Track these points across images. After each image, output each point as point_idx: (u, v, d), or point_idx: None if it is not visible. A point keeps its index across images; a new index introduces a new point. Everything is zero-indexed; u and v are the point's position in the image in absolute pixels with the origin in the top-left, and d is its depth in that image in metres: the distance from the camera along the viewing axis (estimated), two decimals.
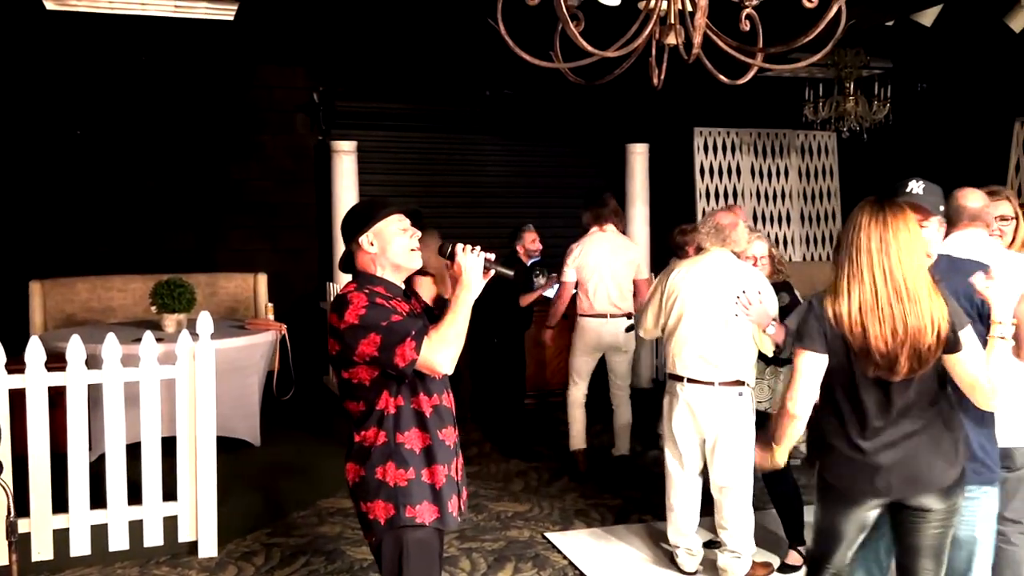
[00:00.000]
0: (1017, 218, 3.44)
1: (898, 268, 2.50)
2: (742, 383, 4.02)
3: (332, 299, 2.63)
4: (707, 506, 4.25)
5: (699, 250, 4.21)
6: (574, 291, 5.86)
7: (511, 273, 2.72)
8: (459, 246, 2.60)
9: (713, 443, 4.07)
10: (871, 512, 2.71)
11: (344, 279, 7.88)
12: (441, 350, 2.48)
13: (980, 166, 8.21)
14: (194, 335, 4.46)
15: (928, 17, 6.44)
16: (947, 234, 3.01)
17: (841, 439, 2.65)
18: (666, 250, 7.66)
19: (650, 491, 5.40)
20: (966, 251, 2.96)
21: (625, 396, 6.00)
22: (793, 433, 2.65)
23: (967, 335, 2.57)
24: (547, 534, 4.74)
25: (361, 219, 2.67)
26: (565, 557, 4.43)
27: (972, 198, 3.17)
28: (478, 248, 2.62)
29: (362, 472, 2.59)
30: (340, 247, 7.89)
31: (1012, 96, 8.26)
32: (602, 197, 5.87)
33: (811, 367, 2.60)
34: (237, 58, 7.79)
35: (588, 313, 5.79)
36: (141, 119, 7.60)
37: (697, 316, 4.05)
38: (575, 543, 4.61)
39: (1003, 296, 2.53)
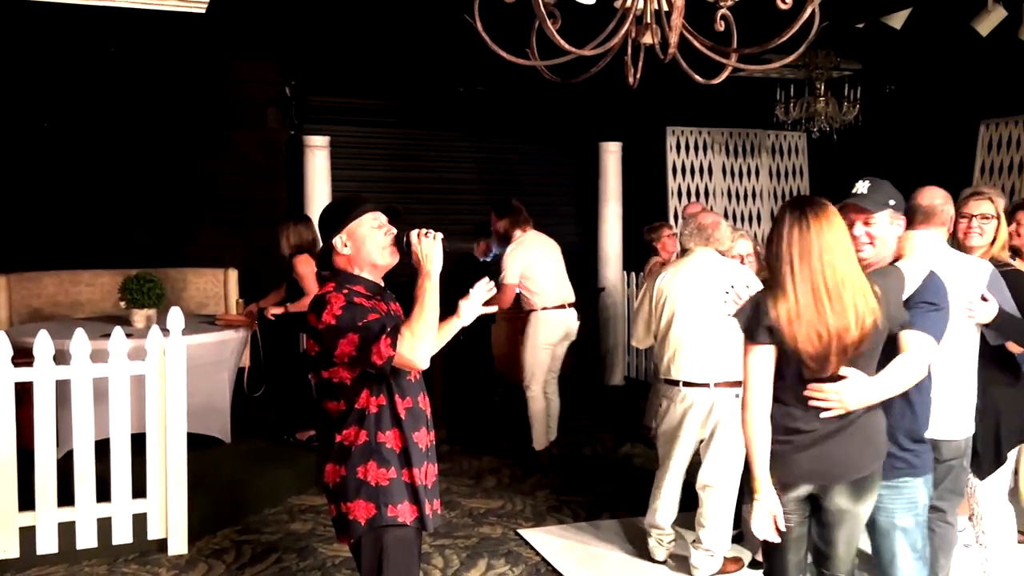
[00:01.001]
0: (998, 218, 3.49)
1: (818, 269, 2.53)
2: (737, 384, 3.97)
3: (312, 300, 2.63)
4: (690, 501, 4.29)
5: (684, 252, 4.22)
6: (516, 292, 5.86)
7: (467, 247, 2.84)
8: (412, 233, 2.61)
9: (708, 444, 4.09)
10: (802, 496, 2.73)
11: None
12: (416, 344, 2.47)
13: (946, 168, 8.33)
14: (164, 331, 4.42)
15: (898, 20, 6.52)
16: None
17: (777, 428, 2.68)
18: (638, 248, 7.72)
19: (622, 487, 5.44)
20: (915, 250, 2.99)
21: (557, 384, 6.04)
22: (752, 425, 2.64)
23: (910, 336, 2.66)
24: (520, 530, 4.76)
25: (334, 220, 2.66)
26: (538, 553, 4.45)
27: (926, 197, 3.21)
28: (431, 232, 2.62)
29: (342, 472, 2.57)
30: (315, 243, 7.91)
31: (978, 99, 8.40)
32: (513, 204, 5.96)
33: (760, 360, 2.63)
34: (208, 51, 7.71)
35: (550, 306, 5.81)
36: (110, 112, 7.50)
37: (688, 318, 4.03)
38: (547, 539, 4.63)
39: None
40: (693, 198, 9.36)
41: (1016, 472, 4.20)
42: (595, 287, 8.63)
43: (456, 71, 8.07)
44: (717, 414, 4.02)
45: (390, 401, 2.58)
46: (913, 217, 3.13)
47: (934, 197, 3.20)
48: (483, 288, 2.75)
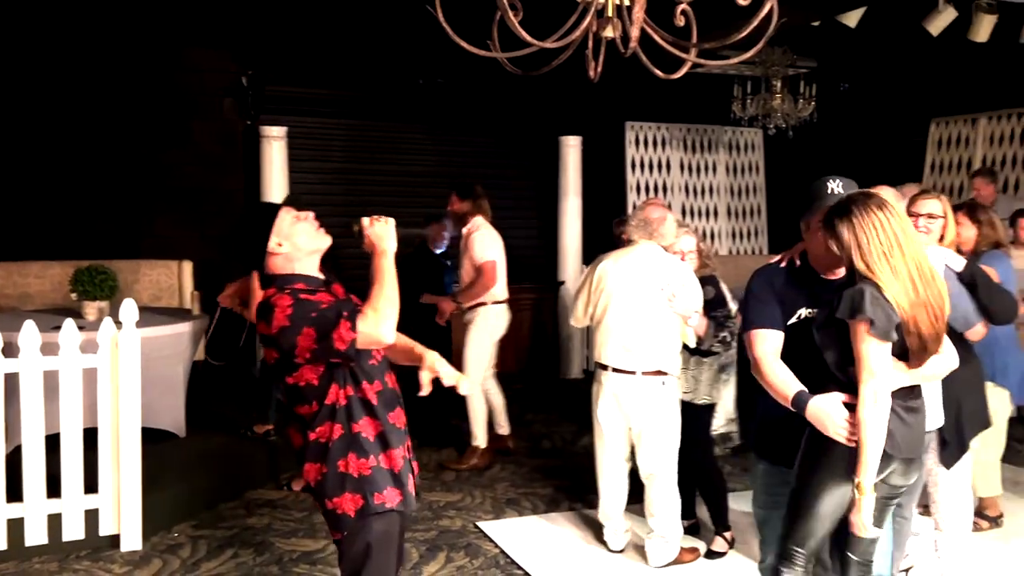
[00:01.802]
0: (945, 217, 3.57)
1: (911, 256, 2.60)
2: (664, 373, 4.10)
3: (259, 308, 2.60)
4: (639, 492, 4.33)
5: (629, 242, 4.27)
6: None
7: (422, 232, 2.82)
8: (364, 220, 2.63)
9: (639, 431, 4.17)
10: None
11: None
12: (380, 319, 2.47)
13: (898, 164, 8.50)
14: (117, 323, 4.34)
15: (852, 18, 6.63)
16: None
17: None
18: (598, 242, 7.75)
19: (581, 479, 5.47)
20: None
21: (495, 379, 6.03)
22: (878, 423, 2.60)
23: None
24: (479, 523, 4.76)
25: (261, 231, 2.63)
26: (497, 545, 4.46)
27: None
28: (382, 217, 2.64)
29: (324, 469, 2.56)
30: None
31: (928, 98, 8.58)
32: (477, 189, 5.90)
33: (887, 357, 2.61)
34: (163, 40, 7.58)
35: (501, 300, 5.80)
36: (61, 100, 7.34)
37: (622, 307, 4.14)
38: (507, 531, 4.64)
39: None
40: (652, 193, 9.43)
41: None
42: (554, 281, 8.66)
43: (416, 63, 8.03)
44: (643, 402, 4.11)
45: (357, 389, 2.58)
46: None
47: (887, 197, 3.27)
48: (382, 218, 2.66)
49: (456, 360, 5.84)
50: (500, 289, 5.78)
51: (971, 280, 3.32)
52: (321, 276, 2.69)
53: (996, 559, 4.26)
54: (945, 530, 3.72)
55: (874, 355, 2.55)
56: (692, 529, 4.50)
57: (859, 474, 2.56)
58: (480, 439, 5.78)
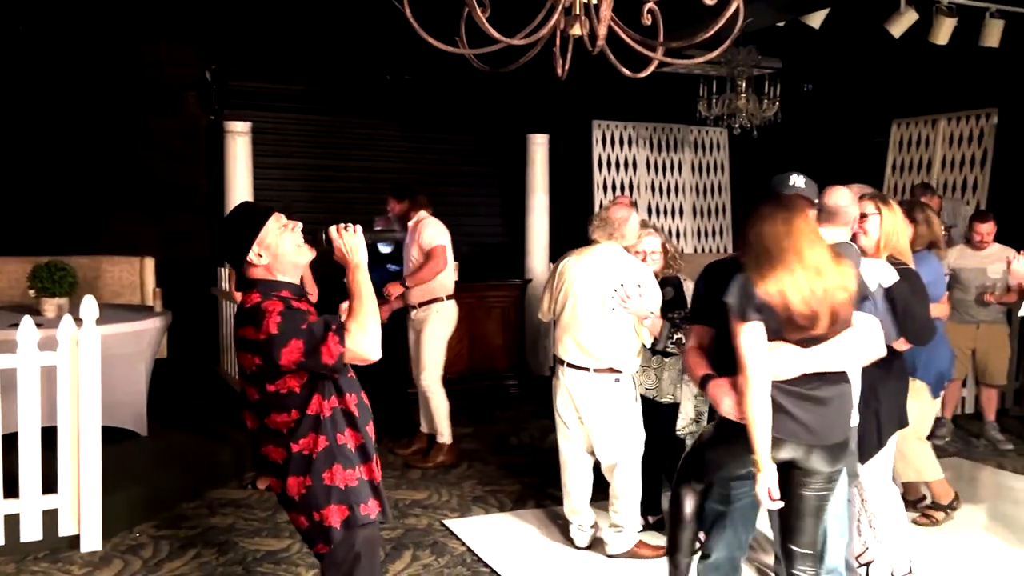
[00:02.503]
0: (880, 215, 3.59)
1: (807, 249, 2.76)
2: (618, 371, 4.15)
3: (240, 313, 2.54)
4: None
5: (592, 241, 4.31)
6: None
7: (396, 236, 2.82)
8: (331, 229, 2.57)
9: (592, 427, 4.24)
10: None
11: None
12: (365, 336, 2.45)
13: (860, 165, 8.63)
14: (77, 320, 4.27)
15: (816, 19, 6.71)
16: None
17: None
18: (566, 240, 7.77)
19: (547, 476, 5.48)
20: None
21: None
22: (755, 401, 2.76)
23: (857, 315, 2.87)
24: (445, 521, 4.75)
25: (241, 237, 2.56)
26: (463, 543, 4.45)
27: (832, 197, 3.32)
28: (349, 225, 2.59)
29: (308, 482, 2.51)
30: None
31: (890, 99, 8.71)
32: (412, 187, 5.90)
33: (755, 334, 2.78)
34: (125, 33, 7.46)
35: (450, 294, 5.79)
36: (19, 94, 7.19)
37: (578, 305, 4.20)
38: (473, 529, 4.64)
39: None
40: (619, 191, 9.47)
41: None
42: (522, 278, 8.66)
43: (383, 58, 7.99)
44: (596, 399, 4.17)
45: (341, 401, 2.56)
46: (818, 216, 3.22)
47: (840, 198, 3.30)
48: (351, 226, 2.60)
49: (414, 360, 5.82)
50: (450, 281, 5.75)
51: (892, 299, 3.36)
52: (299, 284, 2.64)
53: (958, 549, 4.34)
54: (877, 525, 3.78)
55: (744, 338, 2.75)
56: (658, 525, 4.53)
57: (753, 451, 2.74)
58: (446, 436, 5.76)
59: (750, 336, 2.74)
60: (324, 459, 2.51)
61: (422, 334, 5.72)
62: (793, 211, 2.83)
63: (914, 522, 4.55)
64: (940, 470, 4.66)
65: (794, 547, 2.92)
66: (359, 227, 2.59)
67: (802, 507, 2.87)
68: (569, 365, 4.24)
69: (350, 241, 2.55)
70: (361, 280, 2.53)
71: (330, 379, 2.52)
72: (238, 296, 2.63)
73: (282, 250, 2.56)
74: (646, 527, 4.49)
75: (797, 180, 3.03)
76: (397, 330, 6.27)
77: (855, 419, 3.32)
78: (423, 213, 5.77)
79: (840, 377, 2.85)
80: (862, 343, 2.85)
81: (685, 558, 3.12)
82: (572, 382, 4.24)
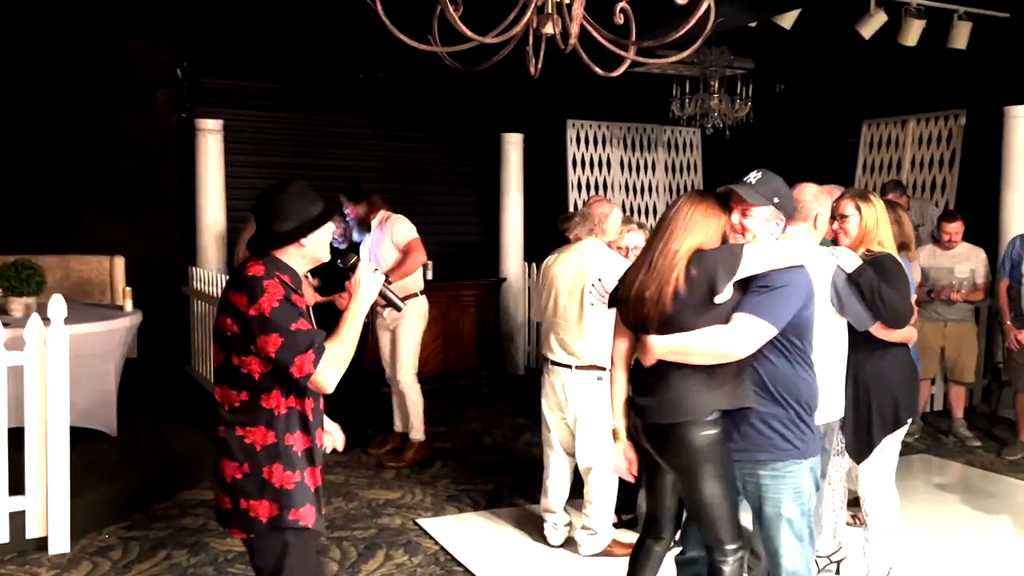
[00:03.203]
0: (860, 214, 3.61)
1: (660, 248, 2.80)
2: (601, 368, 4.14)
3: (238, 277, 2.53)
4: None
5: (576, 239, 4.32)
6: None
7: (400, 305, 2.84)
8: (363, 263, 2.59)
9: (575, 424, 4.24)
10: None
11: (212, 261, 7.60)
12: (332, 369, 2.45)
13: (832, 164, 8.72)
14: (45, 320, 4.21)
15: (788, 20, 6.76)
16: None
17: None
18: (540, 239, 7.78)
19: (521, 475, 5.49)
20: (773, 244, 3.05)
21: None
22: (612, 375, 3.05)
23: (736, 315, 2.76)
24: (419, 520, 4.74)
25: (315, 220, 2.55)
26: (437, 543, 4.44)
27: (796, 193, 3.28)
28: (379, 269, 2.62)
29: (246, 469, 2.50)
30: (205, 231, 7.69)
31: (861, 99, 8.81)
32: (364, 188, 5.86)
33: (616, 322, 3.02)
34: (95, 29, 7.37)
35: (424, 291, 5.78)
36: None
37: (559, 302, 4.22)
38: (447, 528, 4.63)
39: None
40: (593, 191, 9.50)
41: None
42: (497, 277, 8.67)
43: (356, 56, 7.95)
44: (579, 396, 4.18)
45: (299, 401, 2.54)
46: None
47: (803, 193, 3.29)
48: (377, 269, 2.64)
49: (388, 359, 5.79)
50: (420, 279, 5.74)
51: (857, 282, 3.35)
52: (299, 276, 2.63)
53: (928, 546, 4.39)
54: (869, 526, 3.78)
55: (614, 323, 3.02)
56: (632, 523, 4.54)
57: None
58: (420, 433, 5.75)
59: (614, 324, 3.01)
60: (268, 454, 2.49)
61: (397, 332, 5.69)
62: (693, 203, 2.84)
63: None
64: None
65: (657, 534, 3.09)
66: (383, 275, 2.61)
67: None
68: (553, 363, 4.27)
69: (366, 278, 2.55)
70: (355, 313, 2.53)
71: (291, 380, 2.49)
72: (243, 253, 2.59)
73: (320, 247, 2.59)
74: (620, 524, 4.51)
75: (751, 176, 2.88)
76: (367, 331, 6.24)
77: (830, 416, 3.33)
78: (384, 212, 5.74)
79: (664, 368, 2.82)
80: (723, 341, 2.73)
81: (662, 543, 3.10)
82: (555, 380, 4.26)
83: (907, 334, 3.63)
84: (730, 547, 2.85)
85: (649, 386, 2.86)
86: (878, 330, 3.48)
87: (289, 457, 2.51)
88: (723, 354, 2.74)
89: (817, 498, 3.45)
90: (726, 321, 2.73)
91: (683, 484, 2.89)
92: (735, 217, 2.83)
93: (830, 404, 3.35)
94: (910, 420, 3.77)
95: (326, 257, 2.64)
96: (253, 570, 2.64)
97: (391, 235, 5.64)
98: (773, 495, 2.84)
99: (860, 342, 3.48)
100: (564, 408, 4.25)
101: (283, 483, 2.50)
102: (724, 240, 2.82)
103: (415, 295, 5.69)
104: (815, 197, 3.29)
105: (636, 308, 2.81)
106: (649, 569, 3.09)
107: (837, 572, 3.99)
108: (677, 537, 3.20)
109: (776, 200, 2.85)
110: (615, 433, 2.99)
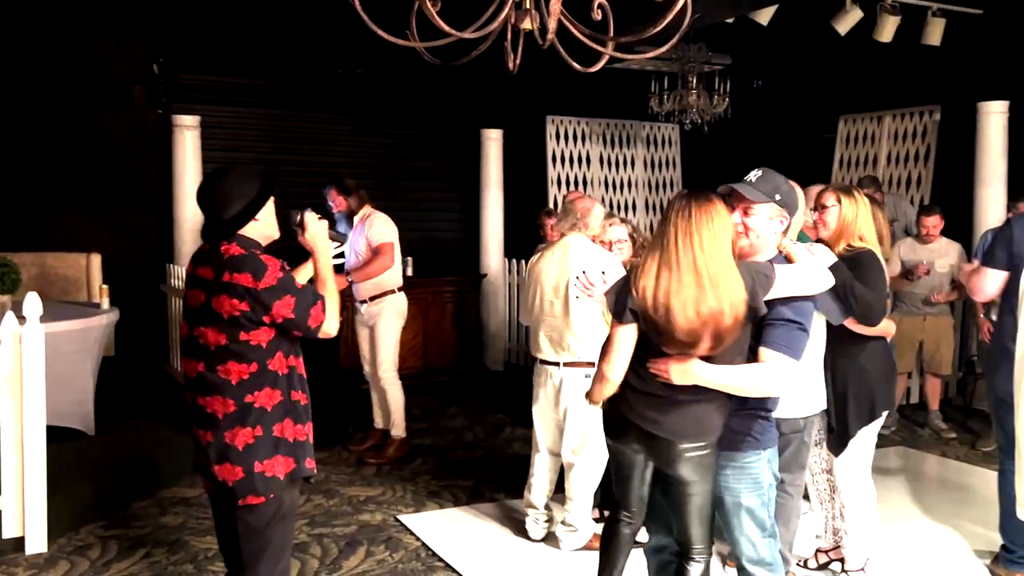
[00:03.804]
0: (840, 206, 3.64)
1: (701, 256, 2.66)
2: (590, 364, 4.14)
3: (233, 259, 2.63)
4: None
5: (560, 235, 4.34)
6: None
7: (342, 238, 3.00)
8: (308, 214, 2.80)
9: (563, 421, 4.24)
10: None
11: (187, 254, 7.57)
12: (333, 316, 2.72)
13: (809, 160, 8.78)
14: (21, 318, 4.17)
15: (765, 16, 6.81)
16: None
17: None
18: (520, 235, 7.78)
19: (502, 471, 5.50)
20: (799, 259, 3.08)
21: None
22: (606, 393, 2.88)
23: (770, 354, 2.74)
24: (400, 516, 4.74)
25: (260, 196, 2.72)
26: (418, 538, 4.44)
27: None
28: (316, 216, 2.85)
29: (258, 432, 2.64)
30: (183, 228, 7.64)
31: (837, 95, 8.88)
32: (353, 182, 5.79)
33: (624, 338, 2.82)
34: (70, 24, 7.29)
35: (402, 287, 5.76)
36: None
37: (546, 299, 4.22)
38: (428, 524, 4.64)
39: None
40: (573, 187, 9.51)
41: None
42: (477, 273, 8.67)
43: (334, 52, 7.92)
44: (567, 393, 4.19)
45: (297, 360, 2.74)
46: None
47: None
48: (315, 220, 2.82)
49: (368, 356, 5.77)
50: (398, 276, 5.72)
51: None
52: None
53: (904, 537, 4.45)
54: (846, 518, 3.82)
55: (614, 336, 2.83)
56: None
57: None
58: (400, 429, 5.74)
59: (620, 339, 2.80)
60: (278, 412, 2.66)
61: (376, 328, 5.68)
62: (701, 205, 2.70)
63: None
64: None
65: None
66: (325, 220, 2.83)
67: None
68: (542, 362, 4.27)
69: (318, 230, 2.79)
70: (326, 263, 2.79)
71: (292, 340, 2.70)
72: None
73: (273, 221, 2.78)
74: (601, 520, 4.53)
75: (752, 175, 2.89)
76: (345, 328, 6.20)
77: (810, 409, 3.37)
78: (368, 208, 5.73)
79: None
80: (762, 381, 2.75)
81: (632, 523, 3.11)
82: (545, 379, 4.26)
83: (884, 328, 3.66)
84: (699, 546, 2.91)
85: (663, 402, 2.78)
86: (852, 324, 3.52)
87: (298, 412, 2.72)
88: (765, 393, 2.78)
89: (789, 490, 3.50)
90: (746, 338, 2.73)
91: (673, 491, 2.89)
92: (736, 216, 2.82)
93: (810, 397, 3.39)
94: (886, 413, 3.82)
95: (276, 233, 2.81)
96: (246, 536, 2.71)
97: (368, 231, 5.62)
98: (734, 485, 2.89)
99: (838, 336, 3.52)
100: (554, 406, 4.25)
101: (295, 436, 2.70)
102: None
103: (392, 292, 5.67)
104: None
105: (697, 323, 2.64)
106: (623, 553, 3.11)
107: (843, 571, 3.94)
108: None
109: (778, 197, 2.86)
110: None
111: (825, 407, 3.58)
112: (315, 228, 2.78)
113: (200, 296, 2.66)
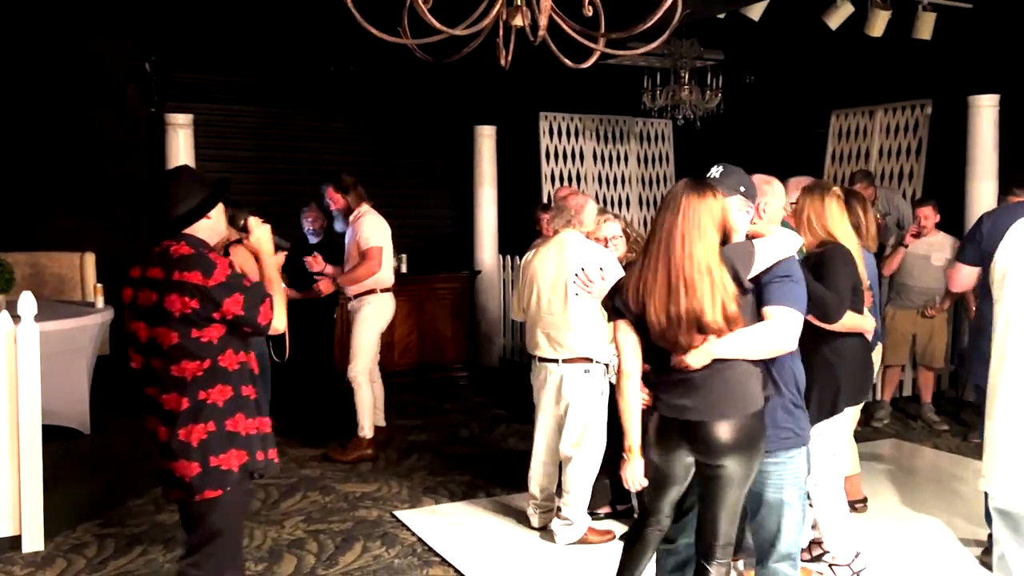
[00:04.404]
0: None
1: (678, 256, 2.70)
2: (588, 360, 4.17)
3: (183, 258, 2.73)
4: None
5: (555, 232, 4.35)
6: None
7: (286, 245, 3.07)
8: (252, 218, 2.97)
9: (563, 417, 4.27)
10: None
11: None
12: (280, 313, 2.82)
13: (801, 154, 8.80)
14: (15, 317, 4.18)
15: (756, 11, 6.82)
16: None
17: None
18: (514, 232, 7.79)
19: (498, 467, 5.52)
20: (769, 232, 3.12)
21: (378, 369, 5.94)
22: (625, 392, 2.87)
23: (774, 309, 2.78)
24: (396, 512, 4.76)
25: (212, 195, 2.84)
26: (414, 534, 4.46)
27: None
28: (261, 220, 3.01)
29: (211, 428, 2.72)
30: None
31: (829, 90, 8.90)
32: (351, 179, 5.76)
33: (623, 333, 2.88)
34: (62, 24, 7.27)
35: (386, 287, 5.73)
36: None
37: (543, 296, 4.23)
38: (424, 520, 4.65)
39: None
40: (566, 183, 9.53)
41: None
42: (471, 270, 8.68)
43: (327, 49, 7.91)
44: (566, 389, 4.21)
45: (247, 356, 2.82)
46: None
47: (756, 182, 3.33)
48: (259, 223, 3.00)
49: (344, 349, 5.77)
50: (387, 276, 5.71)
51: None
52: None
53: (897, 529, 4.48)
54: (816, 511, 3.81)
55: (616, 334, 2.90)
56: (628, 513, 4.57)
57: (625, 437, 2.89)
58: (367, 429, 5.69)
59: (619, 336, 2.87)
60: (229, 407, 2.75)
61: (354, 325, 5.69)
62: (691, 197, 2.73)
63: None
64: (855, 464, 4.60)
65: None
66: (268, 224, 3.00)
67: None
68: (541, 359, 4.28)
69: (264, 232, 2.96)
70: (271, 263, 2.95)
71: (242, 336, 2.79)
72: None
73: (219, 218, 2.89)
74: (613, 515, 4.57)
75: (713, 171, 2.95)
76: (330, 321, 6.21)
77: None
78: (365, 208, 5.69)
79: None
80: (775, 337, 2.78)
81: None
82: (545, 377, 4.27)
83: (854, 324, 3.62)
84: (724, 546, 2.88)
85: (691, 385, 2.76)
86: (813, 320, 3.43)
87: (249, 407, 2.80)
88: (779, 349, 2.80)
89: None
90: (753, 310, 2.78)
91: (711, 486, 2.83)
92: None
93: None
94: (851, 408, 3.78)
95: (226, 232, 2.97)
96: (204, 531, 2.82)
97: (358, 234, 5.59)
98: (776, 481, 2.92)
99: (809, 329, 3.46)
100: (555, 403, 4.27)
101: (247, 430, 2.79)
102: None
103: (374, 292, 5.64)
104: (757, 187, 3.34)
105: (668, 324, 2.70)
106: (646, 556, 3.08)
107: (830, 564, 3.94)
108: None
109: (742, 189, 2.93)
110: (629, 450, 2.87)
111: None
112: (259, 231, 2.95)
113: (152, 296, 2.74)
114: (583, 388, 4.18)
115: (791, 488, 2.94)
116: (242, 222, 2.97)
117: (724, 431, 2.74)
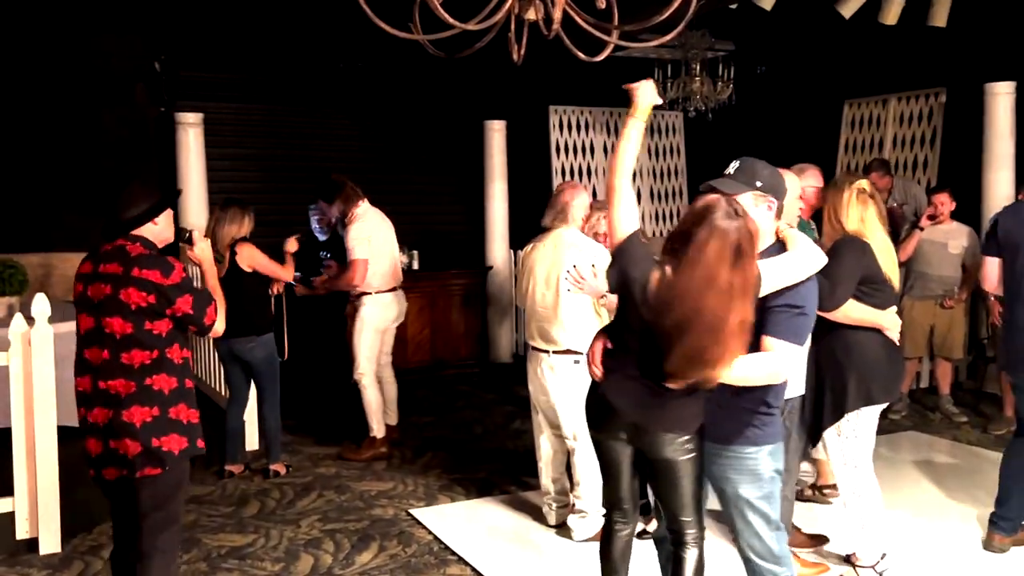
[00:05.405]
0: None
1: (713, 302, 2.55)
2: (578, 352, 4.18)
3: (142, 257, 2.98)
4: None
5: (546, 228, 4.38)
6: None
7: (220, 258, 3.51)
8: (195, 232, 3.35)
9: (556, 408, 4.29)
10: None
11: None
12: (221, 317, 3.12)
13: (814, 145, 8.73)
14: (29, 319, 4.18)
15: (768, 1, 6.75)
16: None
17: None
18: (525, 227, 7.73)
19: (512, 463, 5.50)
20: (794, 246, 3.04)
21: (391, 368, 5.93)
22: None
23: (773, 342, 2.73)
24: (412, 510, 4.74)
25: (164, 200, 3.13)
26: (430, 532, 4.45)
27: None
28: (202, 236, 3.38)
29: (155, 412, 2.94)
30: (187, 225, 7.62)
31: (842, 79, 8.82)
32: (337, 182, 5.69)
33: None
34: (70, 24, 7.27)
35: (385, 288, 5.63)
36: None
37: (537, 290, 4.28)
38: (440, 518, 4.64)
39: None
40: (577, 177, 9.49)
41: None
42: (483, 266, 8.66)
43: (337, 46, 7.89)
44: (556, 380, 4.24)
45: (189, 352, 3.08)
46: None
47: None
48: (201, 238, 3.37)
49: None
50: (379, 281, 5.59)
51: None
52: None
53: (918, 522, 4.43)
54: (847, 512, 3.77)
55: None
56: (643, 509, 4.52)
57: None
58: (377, 429, 5.67)
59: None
60: (174, 397, 2.98)
61: (353, 327, 5.64)
62: (712, 237, 2.57)
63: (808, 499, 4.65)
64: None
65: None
66: (208, 240, 3.41)
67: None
68: (534, 349, 4.35)
69: (206, 246, 3.33)
70: (214, 274, 3.32)
71: (186, 333, 3.04)
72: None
73: (166, 224, 3.14)
74: None
75: (731, 167, 2.86)
76: (342, 321, 6.19)
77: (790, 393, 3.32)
78: (360, 210, 5.58)
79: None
80: (768, 371, 2.73)
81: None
82: (536, 366, 4.32)
83: (866, 318, 3.55)
84: (692, 531, 2.89)
85: (646, 391, 2.74)
86: (824, 313, 3.39)
87: (191, 397, 3.05)
88: (771, 382, 2.77)
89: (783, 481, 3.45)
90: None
91: (661, 476, 2.86)
92: None
93: (791, 383, 3.31)
94: (869, 409, 3.63)
95: (172, 238, 3.17)
96: (145, 509, 2.96)
97: (346, 241, 5.51)
98: (732, 476, 2.87)
99: (823, 324, 3.39)
100: (547, 392, 4.31)
101: (189, 419, 3.02)
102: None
103: (368, 293, 5.57)
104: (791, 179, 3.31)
105: (670, 339, 2.58)
106: (622, 554, 3.05)
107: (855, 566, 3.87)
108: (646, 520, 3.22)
109: (759, 184, 2.82)
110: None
111: (802, 392, 3.54)
112: (201, 244, 3.32)
113: (105, 289, 2.95)
114: (574, 379, 4.18)
115: (749, 486, 2.85)
116: (187, 235, 3.35)
117: (665, 440, 2.77)
